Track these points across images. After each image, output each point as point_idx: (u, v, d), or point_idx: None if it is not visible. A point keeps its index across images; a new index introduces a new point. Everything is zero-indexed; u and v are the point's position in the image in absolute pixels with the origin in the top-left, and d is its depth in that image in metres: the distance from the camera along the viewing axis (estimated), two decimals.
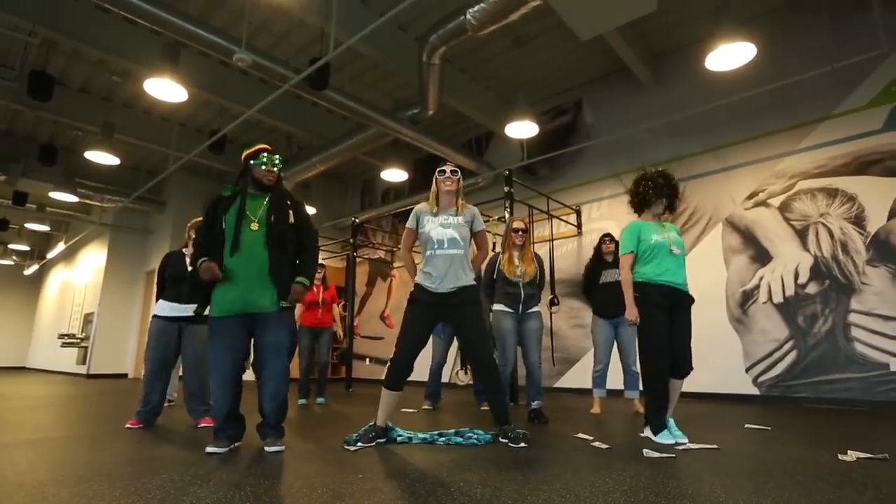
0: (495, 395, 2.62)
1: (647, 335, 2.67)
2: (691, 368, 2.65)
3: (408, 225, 2.73)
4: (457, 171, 2.69)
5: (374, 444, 2.48)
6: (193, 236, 3.29)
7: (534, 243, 6.29)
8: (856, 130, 4.80)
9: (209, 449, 2.30)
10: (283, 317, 2.43)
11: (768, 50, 5.01)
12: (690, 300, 2.73)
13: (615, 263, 3.99)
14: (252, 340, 2.44)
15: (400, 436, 2.59)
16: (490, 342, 2.66)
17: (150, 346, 3.20)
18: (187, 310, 3.14)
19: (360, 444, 2.43)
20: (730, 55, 4.41)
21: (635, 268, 2.79)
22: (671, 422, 2.68)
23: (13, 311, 15.39)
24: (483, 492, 1.64)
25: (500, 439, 2.57)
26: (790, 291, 4.93)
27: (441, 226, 2.61)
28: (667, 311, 2.66)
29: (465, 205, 2.75)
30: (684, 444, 2.50)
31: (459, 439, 2.58)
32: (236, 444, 2.43)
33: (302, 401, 4.71)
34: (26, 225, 11.48)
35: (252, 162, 2.45)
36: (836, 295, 4.68)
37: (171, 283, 3.29)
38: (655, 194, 2.79)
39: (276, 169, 2.49)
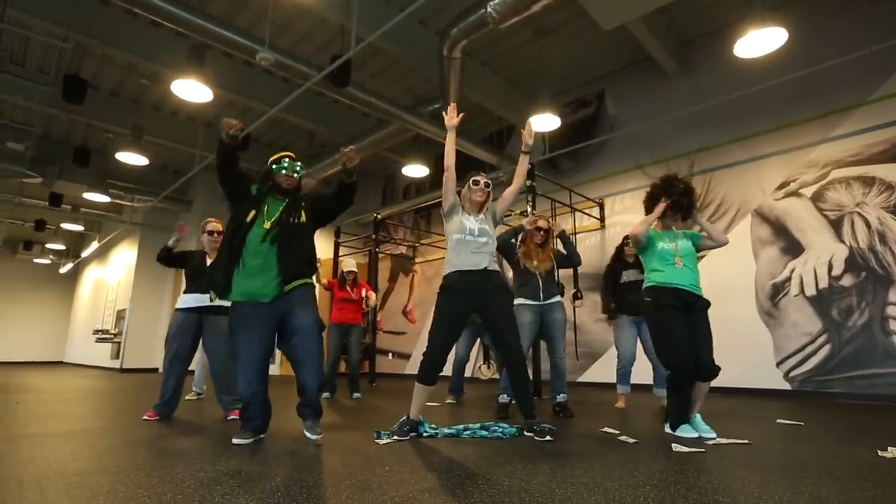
0: (521, 388, 2.61)
1: (664, 337, 2.64)
2: (716, 371, 2.58)
3: (451, 207, 2.73)
4: (489, 184, 2.75)
5: (408, 437, 2.49)
6: (207, 235, 3.43)
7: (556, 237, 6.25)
8: (894, 116, 4.60)
9: (235, 440, 2.37)
10: (303, 296, 2.47)
11: (800, 35, 4.84)
12: (706, 303, 2.68)
13: (636, 264, 3.94)
14: (277, 330, 2.49)
15: (426, 431, 2.60)
16: (516, 329, 2.63)
17: (168, 338, 3.29)
18: (207, 299, 3.25)
19: (395, 437, 2.46)
20: (759, 41, 4.28)
21: (647, 271, 2.81)
22: (698, 417, 2.63)
23: (50, 308, 16.01)
24: (510, 484, 1.64)
25: (526, 433, 2.56)
26: (824, 284, 4.78)
27: (472, 215, 2.71)
28: (682, 312, 2.63)
29: (489, 207, 2.82)
30: (713, 438, 2.45)
31: (485, 433, 2.59)
32: (262, 436, 2.48)
33: (326, 395, 4.78)
34: (62, 225, 11.91)
35: (274, 167, 2.56)
36: (872, 287, 4.51)
37: (192, 277, 3.38)
38: (672, 205, 2.79)
39: (296, 175, 2.58)
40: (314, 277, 2.80)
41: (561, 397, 3.42)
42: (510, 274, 3.82)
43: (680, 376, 2.57)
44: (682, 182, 2.80)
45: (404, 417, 2.62)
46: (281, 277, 2.42)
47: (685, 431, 2.54)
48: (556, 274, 3.66)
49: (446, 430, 2.64)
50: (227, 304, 3.33)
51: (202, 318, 3.31)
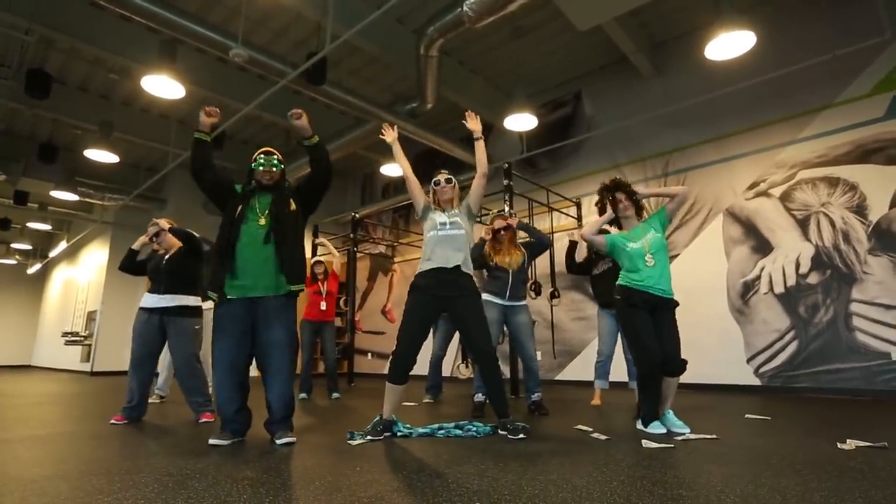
0: (494, 388, 2.63)
1: (632, 334, 2.73)
2: (683, 365, 2.65)
3: (420, 214, 2.80)
4: (451, 179, 2.79)
5: (381, 437, 2.48)
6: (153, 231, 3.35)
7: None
8: (857, 119, 4.76)
9: (212, 441, 2.33)
10: (286, 307, 2.46)
11: (769, 38, 4.97)
12: (674, 304, 2.75)
13: (606, 255, 4.01)
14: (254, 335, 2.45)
15: (400, 431, 2.59)
16: (487, 329, 2.65)
17: (133, 340, 3.20)
18: (167, 300, 3.21)
19: (368, 437, 2.44)
20: (730, 44, 4.37)
21: (622, 269, 2.87)
22: (670, 413, 2.68)
23: (17, 310, 15.46)
24: (480, 483, 1.65)
25: (500, 431, 2.57)
26: (791, 282, 4.92)
27: (444, 211, 2.74)
28: (649, 312, 2.70)
29: (460, 203, 2.84)
30: (684, 434, 2.50)
31: (459, 432, 2.59)
32: (240, 439, 2.44)
33: (303, 395, 4.72)
34: (28, 224, 11.52)
35: (252, 166, 2.58)
36: (837, 285, 4.66)
37: (151, 275, 3.31)
38: (609, 194, 2.92)
39: (274, 169, 2.58)
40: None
41: (536, 396, 3.45)
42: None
43: (647, 371, 2.62)
44: (610, 182, 2.96)
45: (377, 418, 2.61)
46: (284, 278, 2.43)
47: (656, 428, 2.58)
48: (528, 270, 3.67)
49: (420, 430, 2.63)
50: (191, 303, 3.29)
51: (164, 320, 3.21)
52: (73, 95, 7.08)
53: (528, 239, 3.80)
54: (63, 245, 12.67)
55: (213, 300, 2.46)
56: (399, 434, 2.57)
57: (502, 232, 3.56)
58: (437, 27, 4.83)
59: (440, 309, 2.64)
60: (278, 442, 2.35)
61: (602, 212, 2.99)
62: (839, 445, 2.18)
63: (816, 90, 4.99)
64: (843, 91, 4.87)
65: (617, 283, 2.84)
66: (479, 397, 3.42)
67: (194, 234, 3.42)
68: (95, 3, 5.18)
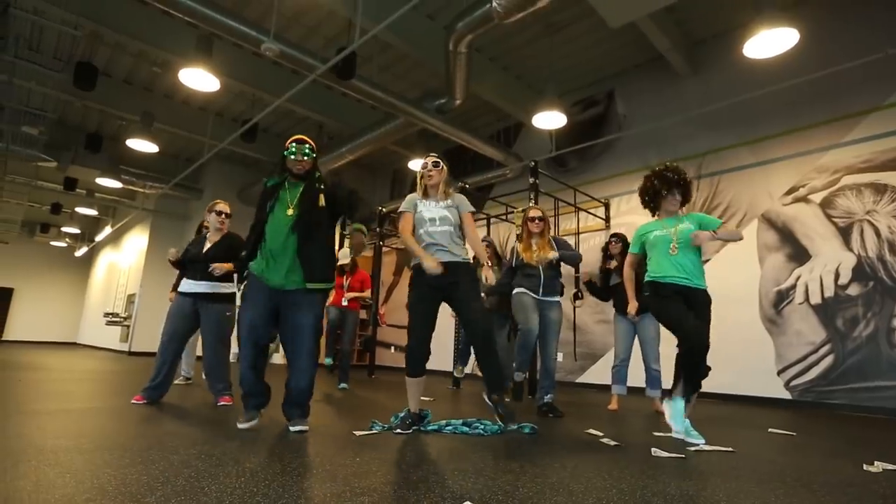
0: (487, 364, 2.56)
1: (669, 319, 2.60)
2: (706, 371, 2.55)
3: (404, 209, 2.69)
4: (438, 163, 2.71)
5: (410, 430, 2.50)
6: (215, 215, 3.44)
7: (558, 235, 6.20)
8: None
9: (241, 425, 2.42)
10: (312, 298, 2.50)
11: (813, 36, 4.73)
12: (706, 298, 2.63)
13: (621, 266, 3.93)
14: (279, 320, 2.52)
15: (430, 426, 2.60)
16: (481, 305, 2.60)
17: (167, 320, 3.33)
18: (203, 286, 3.31)
19: (398, 430, 2.47)
20: (771, 42, 4.19)
21: (648, 266, 2.75)
22: (687, 423, 2.59)
23: (66, 290, 16.36)
24: (475, 481, 1.64)
25: (487, 403, 2.55)
26: (829, 292, 4.68)
27: (433, 207, 2.68)
28: (681, 299, 2.58)
29: (452, 193, 2.77)
30: (698, 445, 2.41)
31: (466, 429, 2.58)
32: (261, 412, 2.55)
33: (328, 360, 4.88)
34: (77, 209, 12.14)
35: (284, 153, 2.60)
36: (880, 297, 4.41)
37: (190, 264, 3.40)
38: (666, 188, 2.71)
39: (305, 158, 2.59)
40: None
41: (548, 397, 3.41)
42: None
43: (691, 347, 2.51)
44: (672, 172, 2.72)
45: (405, 411, 2.61)
46: (304, 273, 2.45)
47: (676, 420, 2.52)
48: (559, 269, 3.60)
49: (430, 426, 2.63)
50: (226, 290, 3.39)
51: (197, 304, 3.33)
52: (118, 87, 7.41)
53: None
54: (108, 230, 13.29)
55: (244, 280, 2.57)
56: (427, 429, 2.57)
57: (538, 221, 3.50)
58: (466, 23, 4.80)
59: (441, 297, 2.60)
60: (292, 429, 2.41)
61: (648, 202, 2.79)
62: (865, 467, 2.06)
63: (863, 92, 4.72)
64: (892, 94, 4.58)
65: (646, 280, 2.73)
66: (519, 376, 3.48)
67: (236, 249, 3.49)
68: None
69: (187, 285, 3.35)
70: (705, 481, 1.78)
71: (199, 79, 5.31)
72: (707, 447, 2.38)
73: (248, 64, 6.65)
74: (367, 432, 2.45)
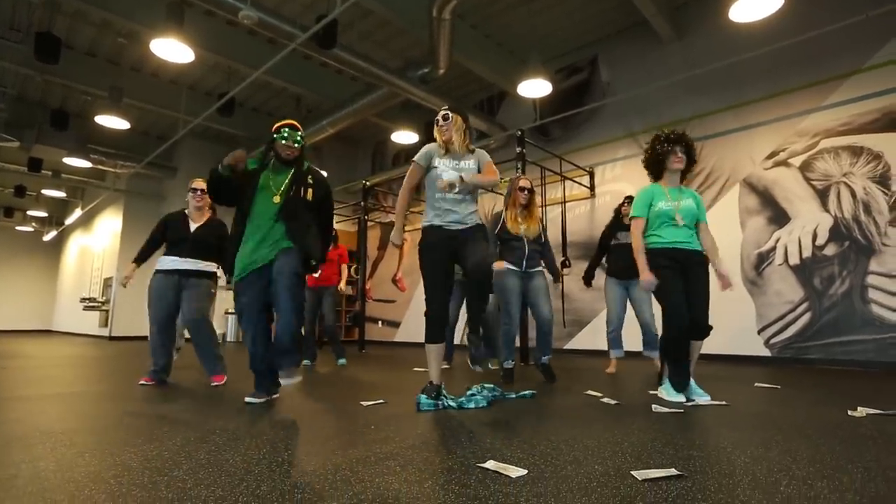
0: (475, 305, 2.53)
1: (662, 298, 2.64)
2: (709, 329, 2.61)
3: (416, 160, 2.55)
4: (448, 115, 2.55)
5: (439, 400, 2.40)
6: (191, 193, 3.35)
7: (545, 206, 6.23)
8: (888, 85, 4.58)
9: (248, 399, 2.44)
10: (292, 251, 2.43)
11: None
12: (702, 258, 2.68)
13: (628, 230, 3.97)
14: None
15: (449, 404, 2.42)
16: (486, 257, 2.49)
17: (152, 304, 3.23)
18: (188, 263, 3.24)
19: (433, 403, 2.37)
20: (755, 4, 4.19)
21: (646, 234, 2.75)
22: (691, 381, 2.65)
23: (35, 276, 15.81)
24: (493, 442, 1.68)
25: (485, 384, 2.62)
26: (807, 253, 4.85)
27: (453, 169, 2.51)
28: (679, 272, 2.62)
29: (474, 149, 2.64)
30: (706, 401, 2.50)
31: (483, 402, 2.53)
32: (275, 396, 2.54)
33: (306, 362, 4.69)
34: (43, 191, 11.65)
35: (275, 136, 2.53)
36: (855, 256, 4.59)
37: (173, 244, 3.29)
38: (669, 145, 2.70)
39: (296, 145, 2.55)
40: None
41: (545, 359, 3.44)
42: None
43: (674, 335, 2.58)
44: (672, 133, 2.73)
45: (428, 384, 2.48)
46: (294, 246, 2.43)
47: (673, 396, 2.56)
48: (543, 241, 3.63)
49: (452, 405, 2.42)
50: (209, 269, 3.34)
51: (181, 281, 3.24)
52: (81, 60, 7.03)
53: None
54: (78, 212, 12.83)
55: (231, 281, 2.51)
56: (445, 407, 2.39)
57: (525, 192, 3.49)
58: None
59: (451, 257, 2.50)
60: (283, 381, 2.32)
61: (652, 164, 2.77)
62: (850, 413, 2.19)
63: (844, 55, 4.80)
64: (872, 55, 4.67)
65: (646, 247, 2.73)
66: (509, 364, 3.46)
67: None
68: None
69: (171, 262, 3.25)
70: (708, 432, 1.86)
71: (171, 50, 5.07)
72: (702, 401, 2.48)
73: (222, 34, 6.37)
74: (374, 402, 2.47)
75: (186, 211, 3.39)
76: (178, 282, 3.24)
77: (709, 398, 2.53)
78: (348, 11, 4.68)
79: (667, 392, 2.62)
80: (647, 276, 2.63)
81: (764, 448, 1.60)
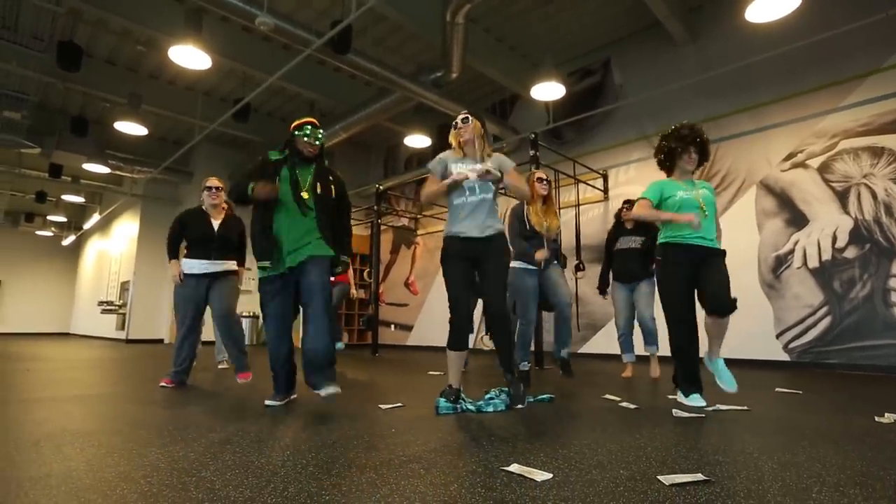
0: (504, 348, 2.53)
1: (668, 299, 2.61)
2: (732, 304, 2.51)
3: (431, 167, 2.57)
4: (468, 118, 2.54)
5: (458, 404, 2.40)
6: (206, 191, 3.40)
7: (559, 209, 6.21)
8: None
9: (267, 402, 2.48)
10: (323, 262, 2.48)
11: None
12: (722, 252, 2.62)
13: (634, 231, 3.95)
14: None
15: (467, 408, 2.42)
16: (507, 293, 2.57)
17: (181, 307, 3.27)
18: (217, 266, 3.31)
19: (453, 407, 2.37)
20: (772, 4, 4.16)
21: (662, 227, 2.71)
22: (720, 362, 2.60)
23: (54, 280, 16.11)
24: (515, 446, 1.68)
25: (503, 388, 2.59)
26: (827, 256, 4.77)
27: (469, 162, 2.49)
28: (691, 269, 2.57)
29: (492, 152, 2.62)
30: (731, 390, 2.51)
31: (501, 405, 2.52)
32: (293, 396, 2.59)
33: (340, 345, 4.82)
34: (63, 197, 11.87)
35: (297, 133, 2.55)
36: (876, 259, 4.51)
37: (198, 243, 3.32)
38: (682, 145, 2.67)
39: (317, 143, 2.58)
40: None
41: (565, 352, 3.39)
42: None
43: (678, 343, 2.56)
44: (687, 129, 2.68)
45: (447, 387, 2.50)
46: (326, 242, 2.48)
47: (694, 401, 2.50)
48: (559, 242, 3.61)
49: (470, 408, 2.42)
50: (235, 268, 3.39)
51: (210, 283, 3.31)
52: (101, 68, 7.17)
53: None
54: (96, 217, 13.05)
55: (267, 268, 2.47)
56: (464, 410, 2.39)
57: (544, 182, 3.47)
58: None
59: (474, 265, 2.51)
60: (322, 394, 2.32)
61: (664, 161, 2.74)
62: (877, 419, 2.15)
63: (862, 55, 4.73)
64: (892, 55, 4.60)
65: (658, 242, 2.70)
66: (525, 366, 3.40)
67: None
68: None
69: (199, 266, 3.29)
70: (732, 437, 1.84)
71: (189, 56, 5.15)
72: (723, 406, 2.45)
73: (237, 40, 6.46)
74: (393, 406, 2.48)
75: (204, 207, 3.41)
76: (206, 285, 3.31)
77: (735, 387, 2.51)
78: (362, 17, 4.73)
79: (684, 397, 2.58)
80: (667, 215, 2.58)
81: (791, 454, 1.57)
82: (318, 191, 2.52)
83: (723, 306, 2.51)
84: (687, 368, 2.59)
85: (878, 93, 4.64)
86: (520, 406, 2.45)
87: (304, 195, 2.48)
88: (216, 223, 3.37)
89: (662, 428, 1.97)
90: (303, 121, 2.59)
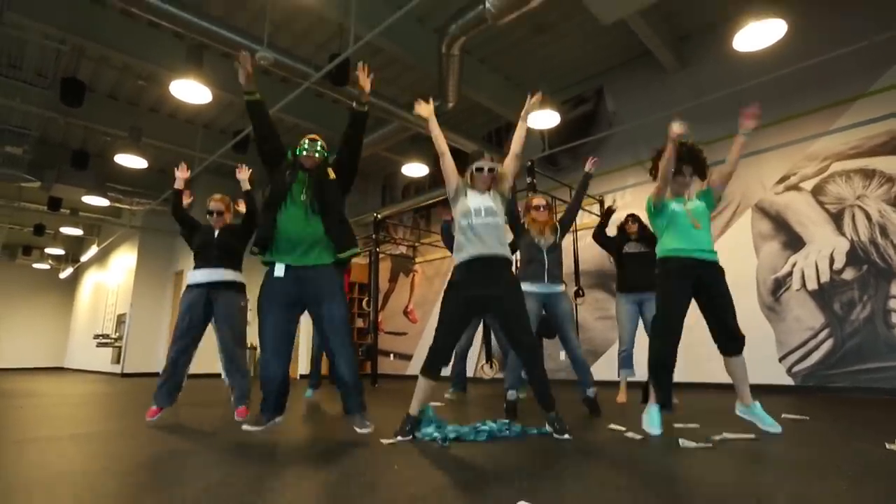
0: (540, 383, 2.54)
1: (663, 310, 2.59)
2: (742, 339, 2.55)
3: (451, 194, 2.71)
4: (494, 169, 2.68)
5: (410, 436, 2.41)
6: (208, 216, 3.41)
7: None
8: (894, 108, 4.60)
9: (245, 427, 2.43)
10: (335, 279, 2.52)
11: (799, 27, 4.83)
12: (720, 269, 2.61)
13: (637, 240, 3.98)
14: (313, 318, 2.54)
15: (428, 435, 2.43)
16: (529, 323, 2.57)
17: (179, 318, 3.19)
18: (217, 275, 3.22)
19: (398, 437, 2.40)
20: (759, 34, 4.28)
21: (660, 239, 2.72)
22: (757, 406, 2.56)
23: (50, 313, 15.95)
24: (521, 482, 1.64)
25: (547, 428, 2.53)
26: (825, 278, 4.78)
27: (478, 196, 2.64)
28: (690, 283, 2.55)
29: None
30: (776, 431, 2.43)
31: (488, 432, 2.52)
32: (278, 419, 2.53)
33: (308, 392, 4.60)
34: (61, 229, 11.88)
35: (297, 151, 2.65)
36: (874, 280, 4.51)
37: (200, 252, 3.29)
38: (678, 170, 2.71)
39: (317, 155, 2.64)
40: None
41: (591, 391, 3.33)
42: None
43: (656, 357, 2.54)
44: (683, 148, 2.72)
45: (405, 415, 2.51)
46: (335, 246, 2.53)
47: (653, 424, 2.47)
48: (559, 252, 3.59)
49: (451, 434, 2.45)
50: (239, 279, 3.31)
51: (211, 294, 3.20)
52: (103, 102, 7.27)
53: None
54: (94, 249, 13.04)
55: (258, 255, 2.54)
56: (427, 438, 2.41)
57: (542, 209, 3.51)
58: (459, 25, 4.82)
59: (479, 309, 2.56)
60: (359, 430, 2.43)
61: (658, 173, 2.76)
62: (888, 446, 2.11)
63: (850, 79, 4.84)
64: (878, 79, 4.71)
65: (658, 255, 2.69)
66: (512, 395, 3.35)
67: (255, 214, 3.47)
68: (126, 12, 5.32)
69: (200, 275, 3.22)
70: (742, 469, 1.80)
71: (190, 91, 5.24)
72: (730, 435, 2.41)
73: (237, 74, 6.57)
74: (393, 440, 2.42)
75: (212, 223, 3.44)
76: (207, 296, 3.20)
77: (780, 429, 2.44)
78: (360, 50, 4.84)
79: (649, 419, 2.51)
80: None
81: (803, 486, 1.54)
82: (317, 186, 2.56)
83: (735, 345, 2.57)
84: (665, 387, 2.56)
85: (867, 116, 4.74)
86: (568, 437, 2.42)
87: (303, 197, 2.53)
88: (217, 231, 3.36)
89: (670, 459, 1.93)
90: (304, 138, 2.69)
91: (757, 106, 2.61)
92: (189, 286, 3.25)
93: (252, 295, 2.96)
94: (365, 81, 2.69)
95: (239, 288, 3.33)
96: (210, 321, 3.24)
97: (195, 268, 3.29)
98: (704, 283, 2.57)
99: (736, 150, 2.69)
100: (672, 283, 2.57)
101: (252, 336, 2.97)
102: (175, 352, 3.15)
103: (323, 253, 2.52)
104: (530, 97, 2.77)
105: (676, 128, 2.53)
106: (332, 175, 2.64)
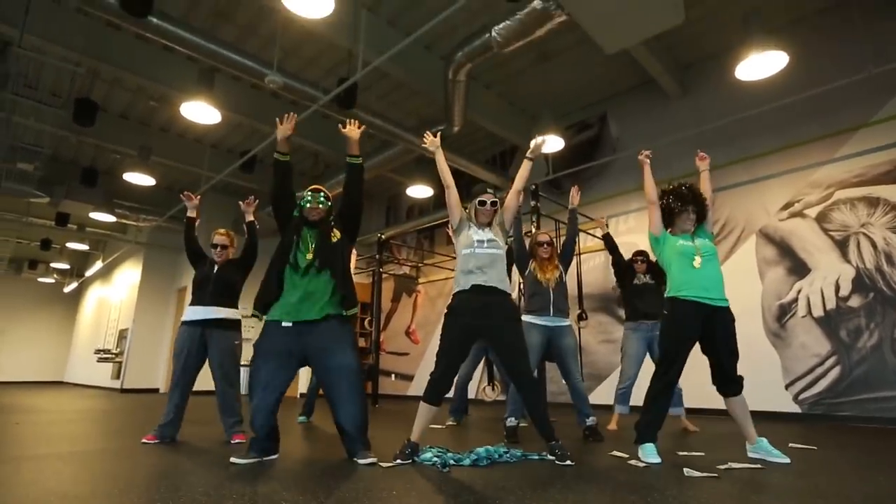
0: (539, 414, 2.58)
1: (669, 348, 2.58)
2: (740, 380, 2.57)
3: (454, 225, 2.79)
4: (496, 203, 2.76)
5: (410, 461, 2.41)
6: (211, 249, 3.41)
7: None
8: None
9: (233, 459, 2.38)
10: (345, 330, 2.53)
11: (801, 57, 4.90)
12: (729, 313, 2.60)
13: (645, 273, 3.98)
14: (315, 368, 2.55)
15: (428, 460, 2.43)
16: (528, 356, 2.61)
17: (174, 358, 3.21)
18: (212, 312, 3.22)
19: (398, 461, 2.39)
20: (760, 64, 4.35)
21: (668, 278, 2.71)
22: (764, 441, 2.56)
23: (53, 327, 15.97)
24: None
25: (549, 456, 2.51)
26: (831, 304, 4.74)
27: (480, 229, 2.72)
28: (697, 327, 2.55)
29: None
30: (787, 461, 2.41)
31: (491, 457, 2.51)
32: (265, 458, 2.47)
33: (302, 418, 4.59)
34: (67, 244, 11.97)
35: (301, 203, 2.70)
36: (881, 308, 4.47)
37: (197, 287, 3.30)
38: (680, 204, 2.71)
39: (320, 206, 2.69)
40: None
41: (591, 420, 3.34)
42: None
43: (656, 393, 2.53)
44: (687, 190, 2.73)
45: (406, 440, 2.53)
46: (342, 302, 2.55)
47: (649, 455, 2.46)
48: (565, 286, 3.61)
49: (451, 460, 2.43)
50: (234, 317, 3.32)
51: (205, 332, 3.21)
52: (114, 122, 7.42)
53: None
54: (98, 265, 13.11)
55: (257, 317, 2.55)
56: (427, 463, 2.41)
57: (546, 245, 3.55)
58: (466, 52, 4.92)
59: (477, 336, 2.58)
60: (361, 462, 2.38)
61: (668, 215, 2.77)
62: None
63: (852, 109, 4.89)
64: (880, 109, 4.75)
65: (665, 296, 2.68)
66: (512, 421, 3.33)
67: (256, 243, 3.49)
68: (140, 36, 5.47)
69: (195, 313, 3.24)
70: (746, 499, 1.76)
71: (200, 112, 5.35)
72: (736, 465, 2.36)
73: (246, 96, 6.72)
74: (393, 464, 2.39)
75: (214, 256, 3.44)
76: (202, 334, 3.21)
77: (788, 460, 2.42)
78: (366, 74, 4.94)
79: (645, 454, 2.48)
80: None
81: None
82: (321, 246, 2.58)
83: (734, 386, 2.56)
84: (655, 419, 2.54)
85: (869, 145, 4.77)
86: (570, 463, 2.41)
87: (309, 256, 2.56)
88: (217, 267, 3.36)
89: (674, 490, 1.89)
90: (306, 190, 2.73)
91: (704, 153, 3.00)
92: (184, 322, 3.28)
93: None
94: (354, 132, 2.77)
95: (233, 325, 3.33)
96: (205, 360, 3.26)
97: (191, 304, 3.32)
98: (712, 327, 2.57)
99: (705, 184, 2.89)
100: (679, 330, 2.57)
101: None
102: (177, 396, 3.18)
103: (327, 307, 2.52)
104: (534, 140, 2.87)
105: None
106: (337, 235, 2.68)
